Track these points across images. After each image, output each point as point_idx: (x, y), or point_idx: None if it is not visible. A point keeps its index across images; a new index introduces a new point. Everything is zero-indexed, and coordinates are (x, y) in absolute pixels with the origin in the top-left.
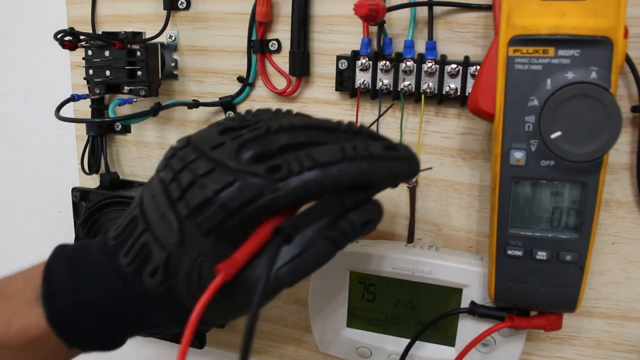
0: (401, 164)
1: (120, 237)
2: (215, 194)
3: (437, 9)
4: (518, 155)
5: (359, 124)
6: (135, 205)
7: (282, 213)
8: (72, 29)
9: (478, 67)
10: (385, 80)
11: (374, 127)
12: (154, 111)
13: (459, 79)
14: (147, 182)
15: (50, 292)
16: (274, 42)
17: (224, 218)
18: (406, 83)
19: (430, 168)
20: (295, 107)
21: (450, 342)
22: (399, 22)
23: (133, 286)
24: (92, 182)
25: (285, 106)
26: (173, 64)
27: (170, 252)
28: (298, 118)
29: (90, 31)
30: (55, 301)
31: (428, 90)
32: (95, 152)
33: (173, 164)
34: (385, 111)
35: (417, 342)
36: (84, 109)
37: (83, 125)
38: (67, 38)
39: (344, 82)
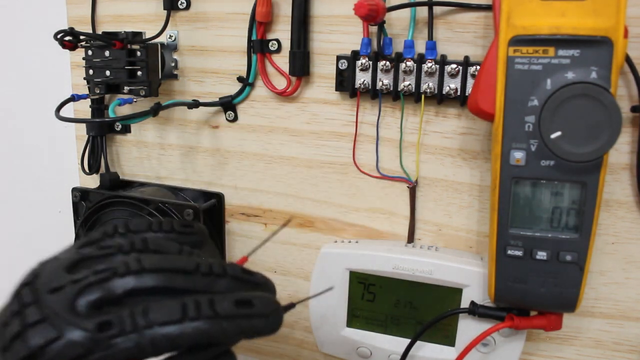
0: (255, 322)
1: None
2: (38, 349)
3: (437, 9)
4: (518, 155)
5: (226, 265)
6: None
7: None
8: (72, 29)
9: (478, 67)
10: (385, 80)
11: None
12: (154, 111)
13: (459, 79)
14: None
15: None
16: (274, 42)
17: None
18: (406, 83)
19: (330, 289)
20: (295, 107)
21: (450, 342)
22: (399, 22)
23: None
24: (92, 182)
25: (284, 107)
26: (173, 64)
27: None
28: (152, 259)
29: (90, 31)
30: None
31: (428, 91)
32: (95, 152)
33: (12, 304)
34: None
35: (417, 342)
36: (84, 109)
37: (83, 125)
38: (67, 38)
39: (344, 82)
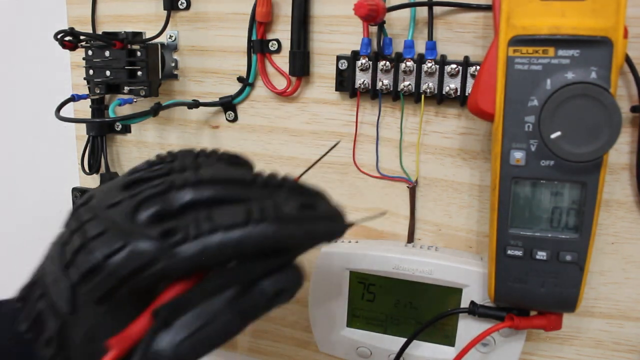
0: (321, 225)
1: (23, 300)
2: (104, 260)
3: (437, 9)
4: (518, 155)
5: (282, 175)
6: (39, 266)
7: (189, 278)
8: (72, 29)
9: (478, 67)
10: (385, 81)
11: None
12: (154, 111)
13: (458, 79)
14: (53, 239)
15: None
16: (274, 42)
17: (115, 286)
18: (406, 83)
19: (384, 213)
20: (295, 108)
21: (450, 341)
22: (399, 22)
23: (34, 354)
24: (92, 182)
25: (284, 107)
26: (173, 64)
27: (63, 321)
28: (209, 170)
29: (91, 31)
30: None
31: (428, 91)
32: (96, 152)
33: (71, 223)
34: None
35: (417, 342)
36: (84, 109)
37: (83, 125)
38: (67, 38)
39: (344, 82)
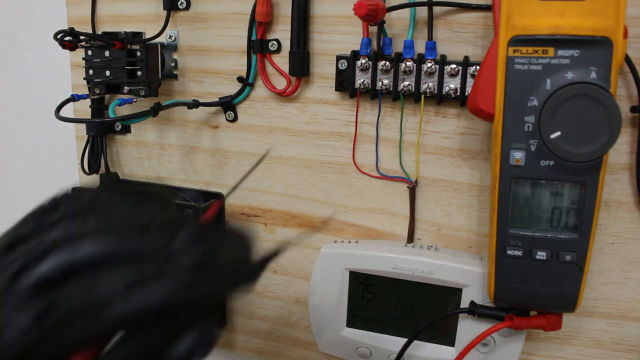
0: (214, 283)
1: None
2: None
3: (437, 9)
4: (518, 155)
5: (187, 212)
6: None
7: (89, 349)
8: (72, 29)
9: (478, 67)
10: (385, 81)
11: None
12: (154, 111)
13: (458, 79)
14: None
15: None
16: (274, 42)
17: None
18: (406, 83)
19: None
20: (295, 108)
21: (450, 342)
22: (398, 22)
23: None
24: (92, 182)
25: (284, 107)
26: (173, 64)
27: None
28: (91, 223)
29: (90, 31)
30: None
31: (428, 91)
32: (95, 152)
33: None
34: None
35: (417, 342)
36: (84, 109)
37: (83, 125)
38: (67, 38)
39: (344, 82)
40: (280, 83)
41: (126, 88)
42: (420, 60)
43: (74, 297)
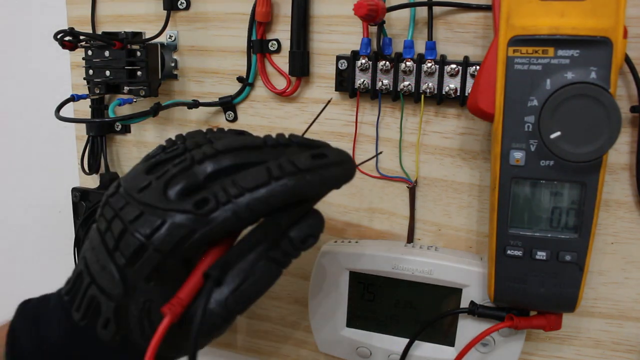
0: (333, 170)
1: (71, 292)
2: (147, 239)
3: (436, 9)
4: (517, 155)
5: (288, 134)
6: (80, 259)
7: (223, 242)
8: (72, 29)
9: (478, 67)
10: (385, 81)
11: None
12: (154, 111)
13: (458, 79)
14: (89, 233)
15: (14, 351)
16: (274, 42)
17: (161, 261)
18: (406, 83)
19: (380, 152)
20: (295, 108)
21: (450, 341)
22: (398, 22)
23: (90, 338)
24: (92, 182)
25: (284, 107)
26: (173, 64)
27: (117, 302)
28: (223, 141)
29: (90, 31)
30: (18, 359)
31: (428, 91)
32: (95, 152)
33: (106, 212)
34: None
35: (417, 342)
36: (84, 109)
37: (83, 125)
38: (67, 38)
39: (344, 82)
40: (280, 83)
41: (126, 88)
42: (420, 60)
43: (219, 193)
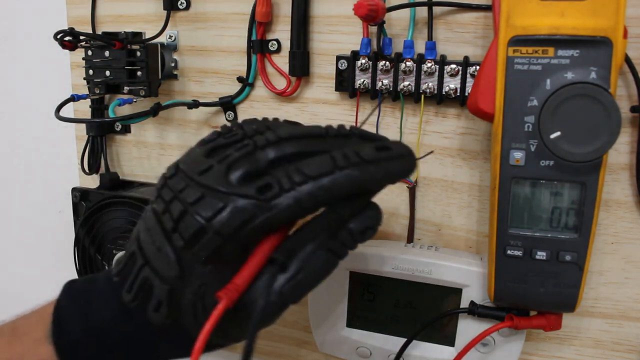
0: (396, 163)
1: (122, 273)
2: (207, 222)
3: (436, 9)
4: (517, 156)
5: (349, 126)
6: (133, 240)
7: (280, 230)
8: (72, 29)
9: (478, 67)
10: (385, 81)
11: (366, 126)
12: (154, 111)
13: (458, 79)
14: (142, 214)
15: (60, 330)
16: (274, 42)
17: (220, 245)
18: (406, 83)
19: (431, 152)
20: (295, 108)
21: (450, 341)
22: (398, 22)
23: (139, 321)
24: (92, 182)
25: (284, 107)
26: (173, 64)
27: (171, 285)
28: (285, 129)
29: (90, 31)
30: (64, 338)
31: (428, 91)
32: (95, 152)
33: (164, 194)
34: (370, 115)
35: (417, 342)
36: (84, 109)
37: (83, 125)
38: (67, 38)
39: (344, 82)
40: (280, 83)
41: (126, 88)
42: (420, 60)
43: (283, 179)
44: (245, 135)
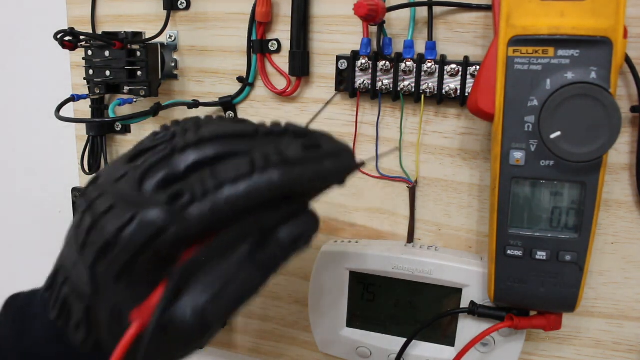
0: (327, 163)
1: (49, 290)
2: (115, 234)
3: (437, 9)
4: (518, 156)
5: (284, 122)
6: (60, 252)
7: (203, 241)
8: (72, 29)
9: (478, 67)
10: (385, 81)
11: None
12: (154, 111)
13: (458, 79)
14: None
15: None
16: (274, 42)
17: (130, 260)
18: (406, 83)
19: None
20: (295, 108)
21: (450, 341)
22: (398, 22)
23: (66, 340)
24: None
25: (284, 107)
26: (173, 64)
27: (87, 303)
28: (209, 128)
29: (90, 31)
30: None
31: (428, 91)
32: (95, 152)
33: (80, 204)
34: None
35: (417, 342)
36: (84, 109)
37: (83, 125)
38: (67, 38)
39: (344, 82)
40: (280, 83)
41: (126, 88)
42: (420, 60)
43: (196, 186)
44: (174, 135)
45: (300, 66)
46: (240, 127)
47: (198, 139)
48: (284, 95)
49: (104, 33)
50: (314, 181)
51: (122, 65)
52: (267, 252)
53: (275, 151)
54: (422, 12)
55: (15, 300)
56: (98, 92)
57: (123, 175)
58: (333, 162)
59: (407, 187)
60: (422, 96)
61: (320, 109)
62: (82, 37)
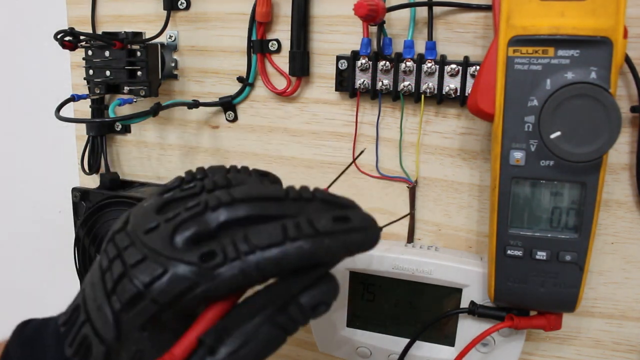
0: (354, 236)
1: (67, 325)
2: (145, 288)
3: (437, 9)
4: (518, 155)
5: (313, 188)
6: (80, 291)
7: (227, 298)
8: (72, 29)
9: (478, 67)
10: (385, 81)
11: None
12: (154, 111)
13: (458, 79)
14: (92, 264)
15: None
16: (274, 42)
17: (157, 312)
18: (406, 83)
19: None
20: (295, 108)
21: (450, 342)
22: (398, 22)
23: None
24: (92, 182)
25: (284, 107)
26: (173, 64)
27: (108, 346)
28: (241, 189)
29: (90, 31)
30: None
31: (428, 91)
32: (95, 152)
33: (109, 250)
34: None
35: (417, 342)
36: (84, 109)
37: (83, 125)
38: (67, 38)
39: (344, 82)
40: (280, 83)
41: (126, 88)
42: (420, 60)
43: (229, 248)
44: (203, 188)
45: (300, 66)
46: (271, 190)
47: (231, 199)
48: (284, 95)
49: (104, 33)
50: (341, 253)
51: (122, 65)
52: (288, 316)
53: (307, 221)
54: (422, 12)
55: (26, 328)
56: (98, 92)
57: (155, 227)
58: (360, 236)
59: (407, 187)
60: (422, 96)
61: (340, 174)
62: (82, 37)
